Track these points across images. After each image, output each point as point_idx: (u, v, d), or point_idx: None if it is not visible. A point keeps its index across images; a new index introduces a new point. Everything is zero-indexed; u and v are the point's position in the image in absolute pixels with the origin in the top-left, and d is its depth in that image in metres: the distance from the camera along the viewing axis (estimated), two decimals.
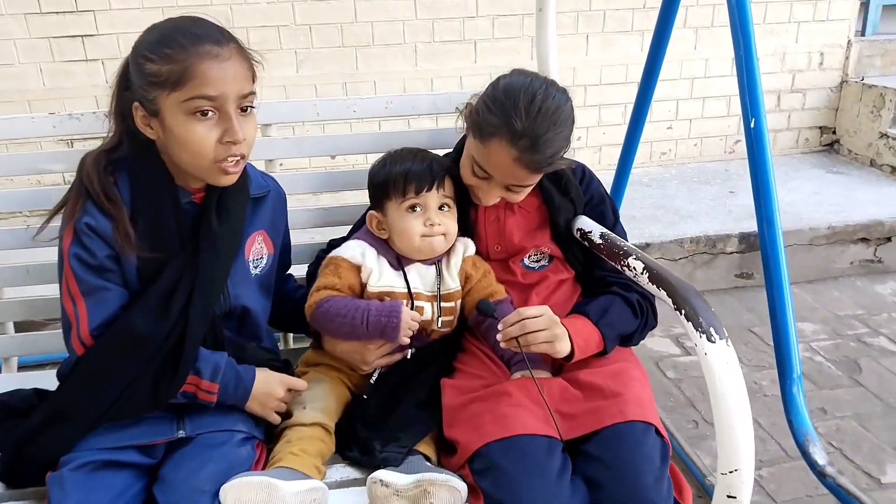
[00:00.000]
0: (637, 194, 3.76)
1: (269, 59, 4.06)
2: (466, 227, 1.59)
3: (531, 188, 1.50)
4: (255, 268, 1.45)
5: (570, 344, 1.36)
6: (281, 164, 1.83)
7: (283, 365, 1.48)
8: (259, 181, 1.47)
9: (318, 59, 3.68)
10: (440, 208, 1.50)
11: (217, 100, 1.20)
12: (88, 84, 3.50)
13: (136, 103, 1.24)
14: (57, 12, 3.41)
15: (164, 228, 1.28)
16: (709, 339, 1.12)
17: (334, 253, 1.52)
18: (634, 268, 1.35)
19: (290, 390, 1.40)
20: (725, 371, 1.10)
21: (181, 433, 1.29)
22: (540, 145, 1.36)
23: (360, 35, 3.68)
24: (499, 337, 1.33)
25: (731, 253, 3.22)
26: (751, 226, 3.25)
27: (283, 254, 1.61)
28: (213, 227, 1.31)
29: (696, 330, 1.13)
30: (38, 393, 1.39)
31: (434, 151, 1.60)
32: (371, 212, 1.55)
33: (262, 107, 1.73)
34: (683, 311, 1.16)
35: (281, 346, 1.85)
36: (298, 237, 1.83)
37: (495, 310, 1.42)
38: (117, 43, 3.47)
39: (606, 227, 1.54)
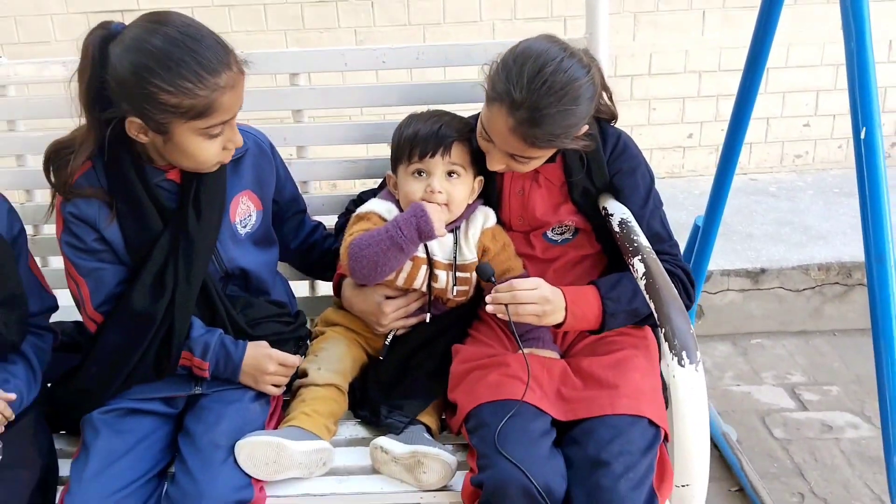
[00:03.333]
0: (759, 206, 3.67)
1: (325, 38, 4.15)
2: (492, 196, 1.78)
3: (540, 161, 1.64)
4: (244, 227, 1.72)
5: (563, 315, 1.58)
6: (311, 118, 2.09)
7: (294, 317, 1.79)
8: None
9: (381, 39, 3.75)
10: (449, 175, 1.69)
11: (229, 119, 1.50)
12: None
13: (133, 119, 1.45)
14: None
15: (141, 208, 1.56)
16: (679, 363, 1.30)
17: (365, 208, 1.76)
18: (637, 269, 1.52)
19: (283, 365, 1.65)
20: (689, 396, 1.30)
21: (198, 389, 1.63)
22: (538, 120, 1.49)
23: (430, 11, 3.73)
24: (487, 299, 1.57)
25: None
26: None
27: (292, 201, 1.89)
28: (191, 229, 1.58)
29: (671, 351, 1.31)
30: (78, 325, 1.76)
31: (470, 106, 1.79)
32: (388, 172, 1.80)
33: (290, 56, 2.02)
34: (664, 329, 1.35)
35: (306, 293, 2.15)
36: (325, 188, 2.14)
37: (493, 273, 1.63)
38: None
39: (635, 204, 1.69)
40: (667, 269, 1.54)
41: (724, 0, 3.77)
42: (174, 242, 1.57)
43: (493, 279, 1.62)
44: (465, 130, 1.71)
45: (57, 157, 1.54)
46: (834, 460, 2.38)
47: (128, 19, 1.47)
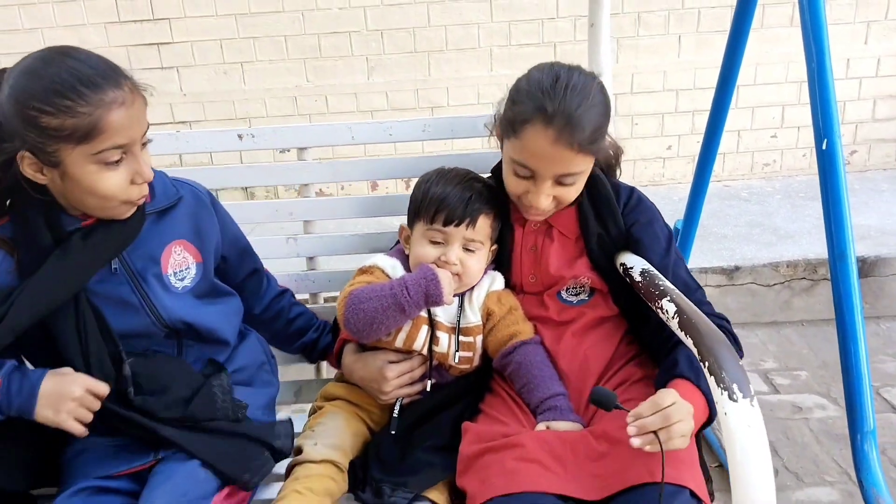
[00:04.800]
0: (732, 210, 3.65)
1: (340, 66, 4.17)
2: (503, 255, 1.56)
3: (583, 179, 1.44)
4: (181, 280, 1.41)
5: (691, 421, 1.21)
6: (318, 190, 1.88)
7: (227, 379, 1.43)
8: (166, 191, 1.42)
9: (390, 66, 3.77)
10: (465, 248, 1.47)
11: (126, 146, 1.22)
12: (163, 91, 3.72)
13: (23, 154, 1.19)
14: (135, 21, 3.66)
15: (44, 258, 1.26)
16: (730, 398, 1.06)
17: (369, 262, 1.54)
18: (667, 310, 1.29)
19: (92, 394, 1.28)
20: (746, 435, 1.04)
21: (160, 455, 1.32)
22: (576, 121, 1.32)
23: (433, 39, 3.74)
24: (631, 432, 1.14)
25: None
26: (862, 249, 3.08)
27: (244, 255, 1.58)
28: (74, 243, 1.27)
29: (718, 386, 1.08)
30: None
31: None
32: (402, 224, 1.57)
33: (297, 130, 1.79)
34: (707, 364, 1.12)
35: (311, 376, 1.88)
36: (337, 263, 1.88)
37: (616, 398, 1.24)
38: (191, 51, 3.68)
39: (657, 254, 1.48)
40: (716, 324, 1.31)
41: (697, 25, 3.78)
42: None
43: (619, 405, 1.22)
44: (495, 200, 1.50)
45: None
46: (804, 438, 2.36)
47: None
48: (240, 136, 1.76)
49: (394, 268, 1.51)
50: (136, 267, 1.35)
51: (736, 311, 3.07)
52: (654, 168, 4.02)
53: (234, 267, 1.56)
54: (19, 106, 1.16)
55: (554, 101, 1.32)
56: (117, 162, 1.21)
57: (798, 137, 4.02)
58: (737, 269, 3.05)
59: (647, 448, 1.14)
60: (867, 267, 3.04)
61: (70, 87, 1.15)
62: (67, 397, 1.23)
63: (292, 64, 3.75)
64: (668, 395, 1.16)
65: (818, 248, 3.12)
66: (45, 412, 1.22)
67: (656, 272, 1.41)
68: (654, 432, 1.13)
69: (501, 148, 1.48)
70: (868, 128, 4.02)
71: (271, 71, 3.76)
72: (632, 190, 1.56)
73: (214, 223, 1.49)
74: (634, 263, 1.46)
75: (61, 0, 3.64)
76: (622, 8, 3.73)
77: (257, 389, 1.53)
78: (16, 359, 1.30)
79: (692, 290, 1.46)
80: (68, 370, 1.27)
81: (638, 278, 1.42)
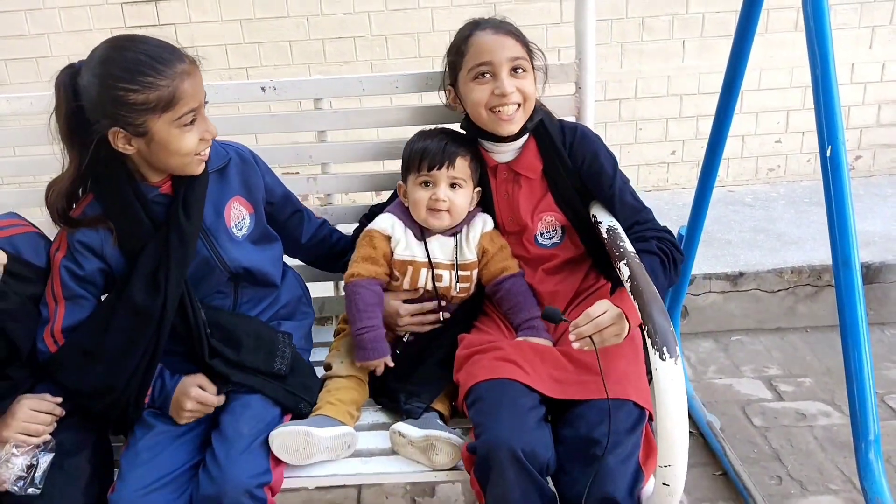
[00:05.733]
0: (736, 215, 3.64)
1: (344, 70, 4.13)
2: (488, 204, 1.83)
3: (532, 79, 1.71)
4: (240, 230, 1.69)
5: (626, 324, 1.50)
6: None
7: (287, 338, 1.72)
8: (217, 152, 1.65)
9: (394, 70, 3.74)
10: (452, 186, 1.73)
11: (197, 108, 1.47)
12: None
13: (115, 129, 1.43)
14: (140, 26, 3.67)
15: (137, 225, 1.53)
16: (660, 357, 1.30)
17: (369, 227, 1.81)
18: (623, 273, 1.50)
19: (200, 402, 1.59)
20: (670, 387, 1.30)
21: (231, 387, 1.60)
22: (504, 23, 1.72)
23: (437, 45, 3.72)
24: (572, 338, 1.47)
25: None
26: (867, 255, 3.07)
27: (285, 200, 1.83)
28: (182, 224, 1.54)
29: (653, 347, 1.31)
30: None
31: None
32: (399, 182, 1.84)
33: (314, 83, 2.02)
34: (647, 327, 1.33)
35: (331, 293, 2.22)
36: (346, 200, 2.13)
37: (561, 313, 1.56)
38: (196, 56, 3.68)
39: (606, 187, 1.75)
40: (656, 237, 1.66)
41: (701, 30, 3.76)
42: (164, 245, 1.52)
43: (563, 318, 1.55)
44: (469, 147, 1.76)
45: (49, 193, 1.52)
46: (808, 446, 2.35)
47: None
48: (263, 89, 1.96)
49: (393, 227, 1.78)
50: (207, 223, 1.61)
51: (740, 318, 3.07)
52: (657, 173, 4.00)
53: (279, 209, 1.81)
54: (107, 90, 1.39)
55: (484, 19, 1.72)
56: (192, 122, 1.46)
57: (802, 143, 3.99)
58: (741, 275, 3.04)
59: (586, 348, 1.46)
60: (871, 273, 3.02)
61: (148, 65, 1.39)
62: (182, 409, 1.55)
63: (297, 69, 3.74)
64: (600, 306, 1.47)
65: (822, 255, 3.11)
66: (173, 413, 1.57)
67: (619, 232, 1.65)
68: (590, 337, 1.44)
69: (459, 98, 1.77)
70: (873, 133, 4.00)
71: (276, 75, 3.71)
72: (576, 127, 1.81)
73: (259, 176, 1.74)
74: (603, 219, 1.73)
75: (67, 6, 3.65)
76: (626, 13, 3.72)
77: (298, 322, 1.83)
78: None
79: (638, 210, 1.76)
80: (191, 383, 1.57)
81: (604, 235, 1.67)
